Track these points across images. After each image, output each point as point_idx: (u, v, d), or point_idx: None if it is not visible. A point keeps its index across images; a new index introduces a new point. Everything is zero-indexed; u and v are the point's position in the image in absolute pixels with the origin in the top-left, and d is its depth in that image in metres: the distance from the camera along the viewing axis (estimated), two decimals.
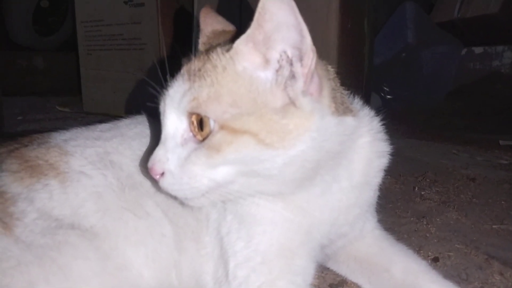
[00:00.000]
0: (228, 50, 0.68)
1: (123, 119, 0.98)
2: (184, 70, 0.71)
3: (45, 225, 0.71)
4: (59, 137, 0.88)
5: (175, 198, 0.73)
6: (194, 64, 0.70)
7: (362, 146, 0.79)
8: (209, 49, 0.73)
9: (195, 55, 0.73)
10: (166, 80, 0.77)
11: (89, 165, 0.81)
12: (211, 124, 0.65)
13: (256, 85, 0.65)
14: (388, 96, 3.12)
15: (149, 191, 0.82)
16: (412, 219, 1.25)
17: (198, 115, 0.66)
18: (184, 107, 0.67)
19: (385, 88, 3.16)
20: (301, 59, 0.63)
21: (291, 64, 0.64)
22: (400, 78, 3.19)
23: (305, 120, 0.65)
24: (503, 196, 1.43)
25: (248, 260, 0.72)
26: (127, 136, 0.90)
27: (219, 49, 0.69)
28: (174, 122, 0.69)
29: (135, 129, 0.92)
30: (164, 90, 0.72)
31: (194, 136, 0.67)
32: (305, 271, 0.73)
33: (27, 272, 0.63)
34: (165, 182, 0.69)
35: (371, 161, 0.81)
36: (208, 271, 0.80)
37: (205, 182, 0.67)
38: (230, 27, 0.85)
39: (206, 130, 0.65)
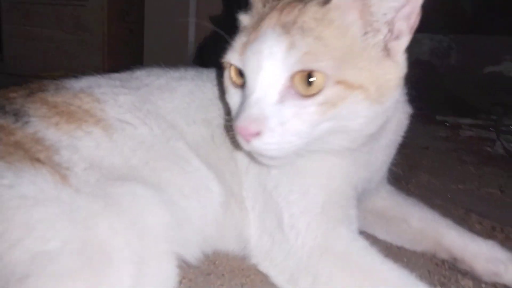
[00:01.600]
0: (326, 3, 0.66)
1: (137, 71, 0.92)
2: (270, 23, 0.67)
3: (99, 176, 0.64)
4: (77, 84, 0.80)
5: (252, 156, 0.71)
6: (285, 16, 0.67)
7: (397, 106, 0.84)
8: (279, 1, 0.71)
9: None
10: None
11: (128, 114, 0.75)
12: (324, 79, 0.62)
13: (363, 38, 0.65)
14: None
15: (191, 144, 0.79)
16: (391, 180, 1.35)
17: (305, 70, 0.63)
18: (293, 62, 0.63)
19: None
20: (409, 16, 0.64)
21: (396, 19, 0.65)
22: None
23: (399, 73, 0.67)
24: (455, 162, 1.62)
25: (307, 211, 0.73)
26: (154, 87, 0.85)
27: (316, 1, 0.67)
28: (270, 78, 0.65)
29: (158, 81, 0.87)
30: (247, 44, 0.67)
31: (296, 92, 0.64)
32: (356, 220, 0.77)
33: (96, 225, 0.57)
34: (260, 142, 0.64)
35: (401, 121, 0.86)
36: (249, 225, 0.80)
37: (305, 140, 0.66)
38: None
39: (315, 85, 0.63)
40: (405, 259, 0.91)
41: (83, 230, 0.55)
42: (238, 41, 0.71)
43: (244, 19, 0.76)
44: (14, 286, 0.46)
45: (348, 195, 0.77)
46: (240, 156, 0.84)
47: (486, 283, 0.84)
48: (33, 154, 0.62)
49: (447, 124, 2.18)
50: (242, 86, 0.70)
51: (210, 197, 0.77)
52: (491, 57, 3.05)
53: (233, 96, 0.73)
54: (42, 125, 0.67)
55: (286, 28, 0.64)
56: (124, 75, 0.90)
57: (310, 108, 0.63)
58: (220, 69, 0.85)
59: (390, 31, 0.66)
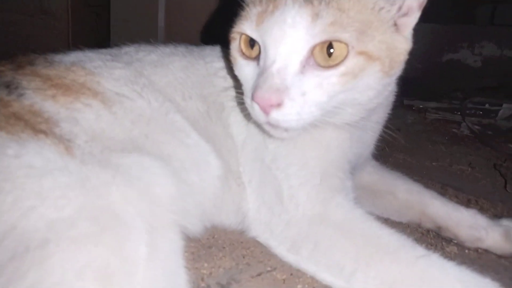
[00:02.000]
0: None
1: (124, 46, 0.90)
2: None
3: (102, 148, 0.63)
4: (67, 58, 0.78)
5: (263, 129, 0.72)
6: None
7: None
8: None
9: None
10: None
11: (125, 87, 0.74)
12: (345, 50, 0.63)
13: (380, 11, 0.67)
14: None
15: (189, 118, 0.78)
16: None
17: (329, 40, 0.63)
18: (318, 32, 0.63)
19: None
20: None
21: None
22: None
23: (407, 48, 0.70)
24: (427, 142, 1.68)
25: (306, 182, 0.75)
26: (146, 62, 0.84)
27: None
28: (293, 47, 0.65)
29: (149, 56, 0.86)
30: (265, 14, 0.67)
31: (315, 63, 0.65)
32: (352, 191, 0.79)
33: (109, 194, 0.56)
34: (280, 113, 0.65)
35: (389, 99, 0.89)
36: (246, 199, 0.81)
37: (323, 110, 0.67)
38: None
39: (336, 56, 0.64)
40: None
41: (96, 198, 0.54)
42: (253, 11, 0.70)
43: None
44: (34, 252, 0.45)
45: (344, 167, 0.79)
46: (236, 132, 0.84)
47: (469, 248, 0.89)
48: (34, 126, 0.59)
49: (414, 108, 2.26)
50: (254, 58, 0.71)
51: (209, 170, 0.77)
52: (450, 45, 3.19)
53: (244, 68, 0.73)
54: (38, 97, 0.65)
55: None
56: (113, 50, 0.88)
57: (331, 78, 0.64)
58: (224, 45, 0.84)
59: (400, 7, 0.68)
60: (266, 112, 0.65)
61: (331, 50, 0.64)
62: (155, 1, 2.35)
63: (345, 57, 0.64)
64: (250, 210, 0.80)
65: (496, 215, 1.08)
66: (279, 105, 0.64)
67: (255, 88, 0.66)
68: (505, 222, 0.89)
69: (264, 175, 0.80)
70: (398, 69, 0.71)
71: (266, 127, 0.70)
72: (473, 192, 1.20)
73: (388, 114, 0.93)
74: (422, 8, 0.69)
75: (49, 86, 0.67)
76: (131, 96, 0.73)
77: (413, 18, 0.69)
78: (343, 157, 0.79)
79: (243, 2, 0.76)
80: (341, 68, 0.64)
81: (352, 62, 0.64)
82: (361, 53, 0.64)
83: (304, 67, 0.65)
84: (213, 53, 0.93)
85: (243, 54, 0.72)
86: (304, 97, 0.65)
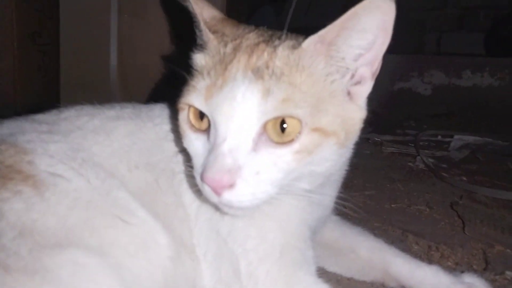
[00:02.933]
0: (295, 47, 0.65)
1: (65, 110, 0.83)
2: (239, 66, 0.63)
3: (32, 245, 0.56)
4: (2, 131, 0.70)
5: (218, 209, 0.69)
6: (255, 60, 0.64)
7: None
8: (241, 41, 0.68)
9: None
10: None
11: (61, 165, 0.67)
12: (299, 126, 0.61)
13: (332, 83, 0.65)
14: None
15: (135, 192, 0.72)
16: None
17: (281, 117, 0.61)
18: (270, 109, 0.60)
19: None
20: (372, 62, 0.65)
21: (359, 65, 0.66)
22: None
23: (362, 116, 0.68)
24: (385, 180, 1.69)
25: (265, 257, 0.71)
26: (88, 129, 0.77)
27: (285, 45, 0.65)
28: (245, 125, 0.61)
29: (91, 122, 0.80)
30: (213, 88, 0.64)
31: (268, 139, 0.62)
32: (314, 262, 0.75)
33: None
34: (233, 194, 0.61)
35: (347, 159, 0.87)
36: (201, 274, 0.75)
37: (278, 188, 0.64)
38: (221, 13, 0.80)
39: (289, 132, 0.61)
40: None
41: None
42: (201, 83, 0.66)
43: (200, 58, 0.72)
44: None
45: (305, 236, 0.76)
46: (188, 201, 0.79)
47: None
48: None
49: (370, 141, 2.29)
50: (204, 130, 0.67)
51: (158, 251, 0.71)
52: (401, 75, 3.31)
53: (194, 142, 0.69)
54: None
55: (259, 73, 0.62)
56: (50, 117, 0.81)
57: (286, 156, 0.61)
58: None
59: (353, 76, 0.67)
60: (217, 193, 0.61)
61: (284, 126, 0.61)
62: (107, 39, 2.28)
63: (299, 134, 0.61)
64: (205, 287, 0.74)
65: (457, 263, 1.08)
66: (231, 186, 0.60)
67: (205, 167, 0.62)
68: (467, 278, 0.87)
69: (220, 248, 0.75)
70: (354, 138, 0.70)
71: (220, 206, 0.66)
72: (433, 238, 1.20)
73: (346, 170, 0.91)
74: (375, 76, 0.68)
75: None
76: (67, 176, 0.66)
77: (367, 86, 0.67)
78: (304, 225, 0.76)
79: (192, 68, 0.72)
80: (295, 146, 0.61)
81: (307, 139, 0.61)
82: (315, 129, 0.61)
83: (257, 144, 0.62)
84: (163, 113, 0.88)
85: (192, 126, 0.68)
86: (258, 176, 0.61)
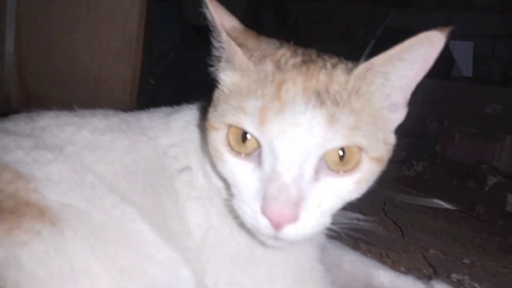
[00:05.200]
0: (351, 71, 0.61)
1: (36, 117, 0.69)
2: (296, 89, 0.58)
3: None
4: None
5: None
6: (313, 83, 0.59)
7: None
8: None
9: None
10: None
11: (72, 193, 0.55)
12: (359, 155, 0.59)
13: (382, 112, 0.64)
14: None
15: (152, 221, 0.62)
16: None
17: (348, 146, 0.58)
18: (337, 138, 0.57)
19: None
20: (406, 89, 0.65)
21: (397, 92, 0.65)
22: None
23: (394, 143, 0.67)
24: None
25: (294, 283, 0.68)
26: (80, 144, 0.65)
27: (340, 68, 0.62)
28: (308, 153, 0.57)
29: (79, 134, 0.68)
30: (268, 111, 0.58)
31: (327, 167, 0.59)
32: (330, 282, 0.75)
33: None
34: (295, 228, 0.57)
35: None
36: None
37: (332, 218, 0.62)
38: (239, 22, 0.73)
39: (351, 161, 0.59)
40: None
41: None
42: (250, 104, 0.59)
43: (230, 75, 0.65)
44: None
45: (320, 258, 0.74)
46: (194, 224, 0.71)
47: None
48: None
49: None
50: (246, 155, 0.60)
51: (183, 285, 0.62)
52: None
53: (239, 169, 0.62)
54: None
55: (320, 98, 0.58)
56: (23, 126, 0.65)
57: (348, 186, 0.59)
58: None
59: (390, 104, 0.66)
60: (278, 227, 0.56)
61: (340, 153, 0.59)
62: (2, 17, 1.93)
63: (360, 163, 0.59)
64: None
65: (409, 269, 1.18)
66: (295, 219, 0.56)
67: (268, 199, 0.56)
68: (437, 286, 0.96)
69: (237, 275, 0.69)
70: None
71: (270, 241, 0.60)
72: (379, 245, 1.28)
73: None
74: (407, 104, 0.68)
75: None
76: (83, 208, 0.54)
77: (400, 113, 0.68)
78: (319, 245, 0.75)
79: (216, 83, 0.66)
80: (357, 175, 0.60)
81: (367, 168, 0.60)
82: (374, 158, 0.61)
83: (317, 173, 0.59)
84: (153, 124, 0.78)
85: (232, 149, 0.61)
86: (320, 208, 0.58)
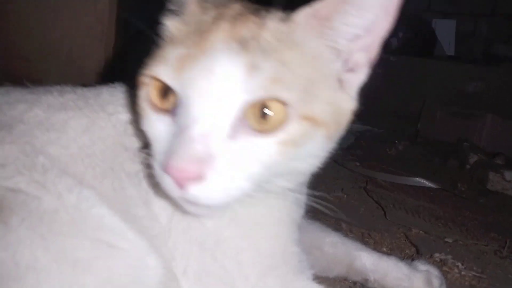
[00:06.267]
0: (285, 20, 0.55)
1: None
2: (220, 35, 0.53)
3: None
4: None
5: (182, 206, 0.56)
6: (240, 30, 0.53)
7: None
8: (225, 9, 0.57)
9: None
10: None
11: (20, 176, 0.49)
12: (285, 113, 0.52)
13: (324, 68, 0.57)
14: None
15: (114, 206, 0.57)
16: None
17: (265, 99, 0.51)
18: (255, 89, 0.50)
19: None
20: (368, 47, 0.58)
21: (355, 48, 0.58)
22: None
23: (352, 107, 0.61)
24: None
25: (264, 270, 0.64)
26: (32, 123, 0.60)
27: (275, 17, 0.56)
28: (223, 105, 0.51)
29: (31, 112, 0.61)
30: (187, 58, 0.52)
31: (248, 126, 0.52)
32: (307, 264, 0.71)
33: None
34: (201, 189, 0.50)
35: None
36: None
37: (255, 184, 0.54)
38: None
39: (275, 120, 0.52)
40: None
41: None
42: (171, 53, 0.54)
43: (173, 25, 0.59)
44: None
45: (297, 239, 0.70)
46: (158, 209, 0.66)
47: None
48: None
49: None
50: (168, 111, 0.55)
51: (149, 276, 0.57)
52: None
53: (155, 124, 0.56)
54: None
55: (244, 45, 0.52)
56: None
57: (270, 147, 0.52)
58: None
59: (346, 61, 0.60)
60: (180, 185, 0.51)
61: (266, 110, 0.52)
62: None
63: (285, 122, 0.52)
64: None
65: (391, 249, 1.15)
66: (199, 178, 0.50)
67: (169, 154, 0.50)
68: (420, 266, 0.93)
69: (205, 262, 0.64)
70: (342, 131, 0.62)
71: (181, 202, 0.55)
72: (361, 224, 1.26)
73: None
74: (371, 64, 0.61)
75: None
76: (32, 192, 0.48)
77: (361, 75, 0.60)
78: (294, 226, 0.70)
79: (158, 36, 0.60)
80: (281, 135, 0.52)
81: (295, 128, 0.53)
82: (305, 117, 0.53)
83: (234, 130, 0.52)
84: (114, 99, 0.71)
85: (154, 105, 0.56)
86: (233, 169, 0.52)
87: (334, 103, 0.58)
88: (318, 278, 0.92)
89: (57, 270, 0.45)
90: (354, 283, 0.94)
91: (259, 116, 0.51)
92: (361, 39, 0.58)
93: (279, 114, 0.52)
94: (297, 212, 0.73)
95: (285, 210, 0.68)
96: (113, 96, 0.72)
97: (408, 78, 2.68)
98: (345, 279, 0.94)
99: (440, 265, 1.06)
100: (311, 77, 0.55)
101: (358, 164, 1.91)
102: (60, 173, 0.53)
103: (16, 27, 1.88)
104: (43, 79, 1.91)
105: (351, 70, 0.60)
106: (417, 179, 1.69)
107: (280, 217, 0.68)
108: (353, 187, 1.60)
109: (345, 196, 1.49)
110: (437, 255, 1.10)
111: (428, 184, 1.66)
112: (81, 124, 0.63)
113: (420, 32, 3.09)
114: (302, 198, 0.75)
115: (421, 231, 1.27)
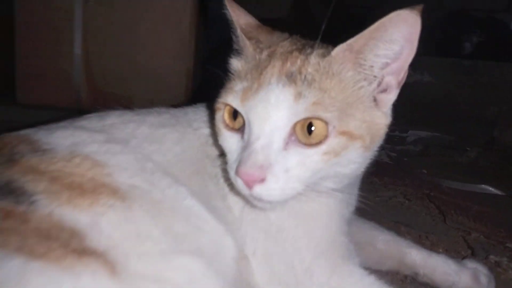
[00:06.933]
0: (325, 55, 0.70)
1: (105, 116, 0.83)
2: (273, 71, 0.69)
3: (138, 256, 0.57)
4: (55, 141, 0.69)
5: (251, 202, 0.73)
6: (288, 66, 0.69)
7: None
8: (277, 49, 0.74)
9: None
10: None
11: (137, 177, 0.68)
12: (325, 129, 0.66)
13: (359, 90, 0.70)
14: None
15: (200, 198, 0.75)
16: None
17: (309, 119, 0.66)
18: (301, 111, 0.66)
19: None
20: (398, 71, 0.71)
21: (386, 73, 0.71)
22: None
23: (387, 123, 0.74)
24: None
25: (318, 255, 0.77)
26: (141, 138, 0.78)
27: (316, 53, 0.71)
28: (277, 125, 0.67)
29: (140, 129, 0.81)
30: (250, 90, 0.69)
31: (297, 139, 0.68)
32: (356, 253, 0.83)
33: None
34: (264, 188, 0.67)
35: None
36: (252, 272, 0.80)
37: (305, 185, 0.69)
38: (256, 19, 0.84)
39: (316, 135, 0.67)
40: None
41: None
42: (238, 86, 0.72)
43: (236, 63, 0.78)
44: None
45: (345, 231, 0.83)
46: (233, 203, 0.83)
47: None
48: (66, 244, 0.52)
49: None
50: (237, 129, 0.73)
51: (227, 253, 0.74)
52: None
53: (229, 140, 0.75)
54: (53, 203, 0.56)
55: (292, 79, 0.68)
56: (95, 123, 0.79)
57: (314, 156, 0.67)
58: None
59: (380, 83, 0.73)
60: (249, 186, 0.67)
61: (312, 128, 0.67)
62: (70, 27, 2.16)
63: (326, 136, 0.67)
64: (258, 284, 0.79)
65: (447, 250, 1.22)
66: (262, 180, 0.66)
67: (239, 162, 0.67)
68: (469, 264, 1.00)
69: (270, 246, 0.79)
70: (379, 142, 0.75)
71: (250, 199, 0.71)
72: (420, 228, 1.33)
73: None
74: (401, 85, 0.74)
75: (60, 188, 0.59)
76: (145, 187, 0.67)
77: (392, 95, 0.73)
78: (343, 220, 0.83)
79: (229, 72, 0.79)
80: (323, 147, 0.67)
81: (334, 141, 0.67)
82: (342, 133, 0.67)
83: (287, 144, 0.68)
84: (197, 117, 0.90)
85: (226, 125, 0.74)
86: (288, 174, 0.67)
87: (369, 119, 0.71)
88: (370, 270, 1.04)
89: (165, 240, 0.62)
90: (405, 276, 1.03)
91: (306, 132, 0.67)
92: (390, 66, 0.72)
93: (321, 130, 0.67)
94: (346, 208, 0.85)
95: (334, 206, 0.82)
96: (196, 115, 0.91)
97: (483, 83, 2.62)
98: (397, 273, 1.04)
99: (494, 266, 1.11)
100: (347, 100, 0.69)
101: (425, 171, 1.95)
102: (162, 174, 0.71)
103: (111, 52, 2.20)
104: (136, 95, 2.23)
105: (384, 91, 0.74)
106: (483, 186, 1.70)
107: (330, 212, 0.81)
108: (417, 193, 1.66)
109: (406, 201, 1.56)
110: (492, 257, 1.15)
111: (494, 191, 1.67)
112: (175, 137, 0.82)
113: (496, 35, 3.00)
114: (350, 197, 0.87)
115: (481, 235, 1.31)
